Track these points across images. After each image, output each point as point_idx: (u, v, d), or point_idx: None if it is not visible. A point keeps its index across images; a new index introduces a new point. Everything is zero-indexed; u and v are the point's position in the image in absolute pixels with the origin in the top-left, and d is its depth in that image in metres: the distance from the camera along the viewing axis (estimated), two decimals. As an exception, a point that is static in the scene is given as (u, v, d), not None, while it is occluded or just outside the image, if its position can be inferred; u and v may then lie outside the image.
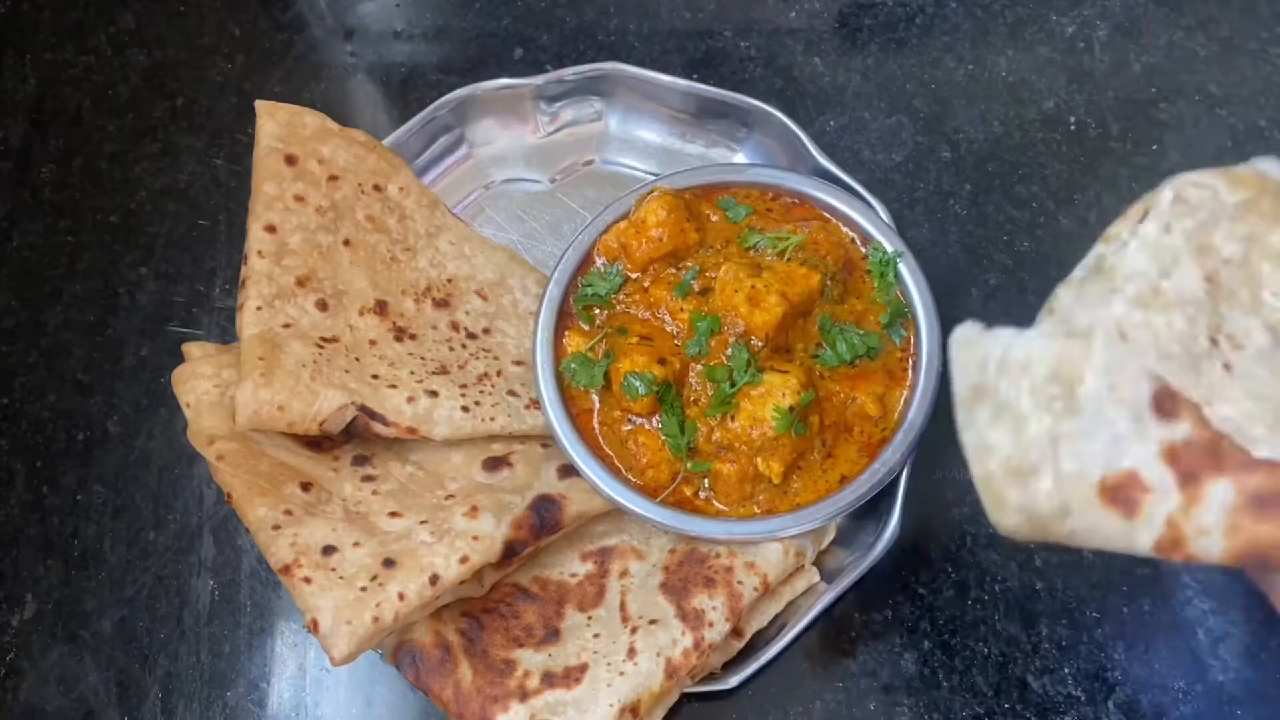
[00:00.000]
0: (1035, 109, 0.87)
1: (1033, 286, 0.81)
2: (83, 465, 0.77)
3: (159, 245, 0.85)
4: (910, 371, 0.68)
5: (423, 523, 0.64)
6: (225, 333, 0.81)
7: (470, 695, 0.61)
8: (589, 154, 0.85)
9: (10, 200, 0.87)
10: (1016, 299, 0.80)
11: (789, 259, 0.69)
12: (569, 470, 0.68)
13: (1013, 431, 0.44)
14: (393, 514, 0.65)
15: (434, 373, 0.70)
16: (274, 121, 0.74)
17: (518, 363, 0.74)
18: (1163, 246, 0.46)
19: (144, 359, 0.81)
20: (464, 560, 0.61)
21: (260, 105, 0.74)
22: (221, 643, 0.72)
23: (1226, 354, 0.44)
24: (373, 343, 0.70)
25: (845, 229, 0.73)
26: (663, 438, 0.66)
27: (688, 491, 0.67)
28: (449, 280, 0.76)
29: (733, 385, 0.65)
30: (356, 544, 0.62)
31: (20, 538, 0.75)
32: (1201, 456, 0.42)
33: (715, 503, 0.67)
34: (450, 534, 0.63)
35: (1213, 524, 0.42)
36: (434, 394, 0.67)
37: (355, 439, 0.67)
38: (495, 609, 0.65)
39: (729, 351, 0.67)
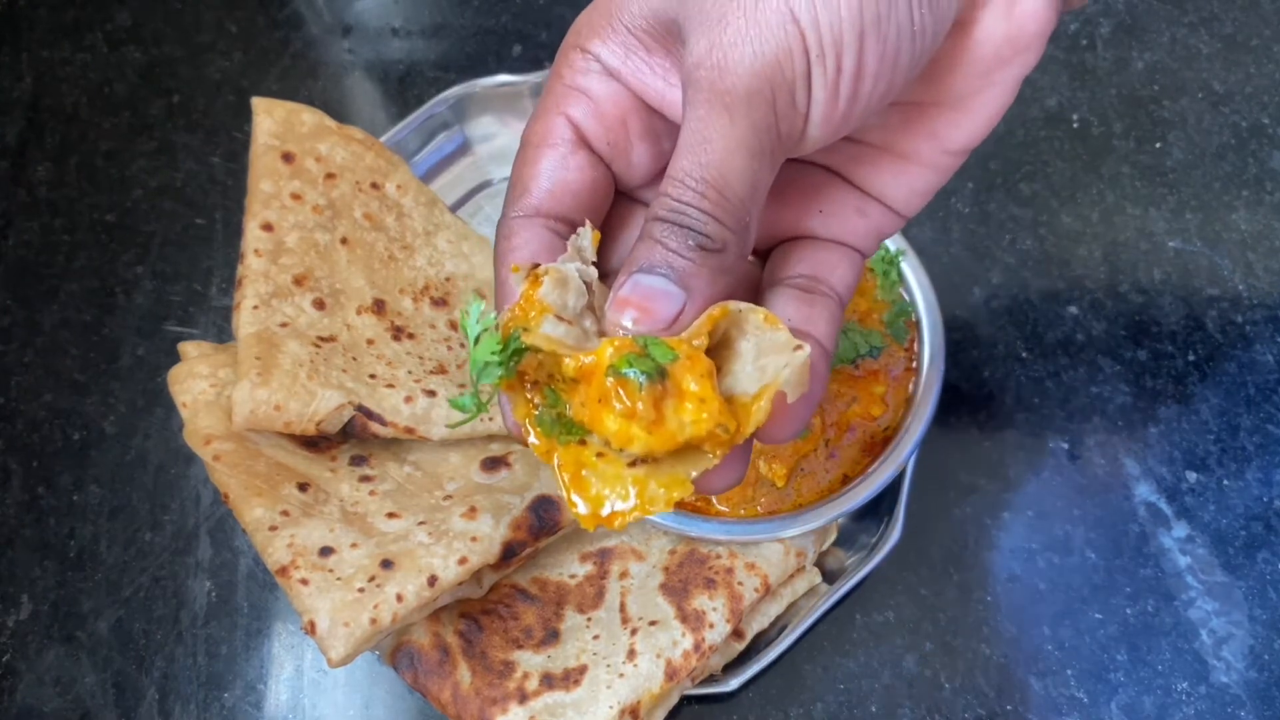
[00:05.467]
0: (1038, 106, 0.87)
1: (1035, 285, 0.80)
2: (79, 465, 0.77)
3: (155, 244, 0.84)
4: (913, 371, 0.68)
5: (421, 523, 0.63)
6: (222, 332, 0.81)
7: (469, 697, 0.61)
8: (588, 152, 0.84)
9: (6, 199, 0.86)
10: (1019, 297, 0.80)
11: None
12: (568, 470, 0.67)
13: None
14: (390, 515, 0.64)
15: (432, 372, 0.69)
16: (271, 119, 0.73)
17: (517, 362, 0.73)
18: None
19: (140, 358, 0.80)
20: (462, 561, 0.61)
21: (257, 102, 0.74)
22: (219, 644, 0.71)
23: None
24: (370, 342, 0.69)
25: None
26: None
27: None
28: (447, 279, 0.76)
29: None
30: (354, 545, 0.61)
31: (16, 538, 0.75)
32: None
33: (716, 504, 0.66)
34: (448, 535, 0.62)
35: None
36: (432, 394, 0.67)
37: (353, 439, 0.67)
38: (494, 610, 0.65)
39: None
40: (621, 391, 0.35)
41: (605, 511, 0.37)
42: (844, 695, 0.69)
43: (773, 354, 0.36)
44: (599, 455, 0.37)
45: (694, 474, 0.37)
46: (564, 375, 0.36)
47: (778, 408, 0.36)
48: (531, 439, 0.38)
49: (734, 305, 0.36)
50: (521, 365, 0.38)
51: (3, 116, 0.90)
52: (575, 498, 0.37)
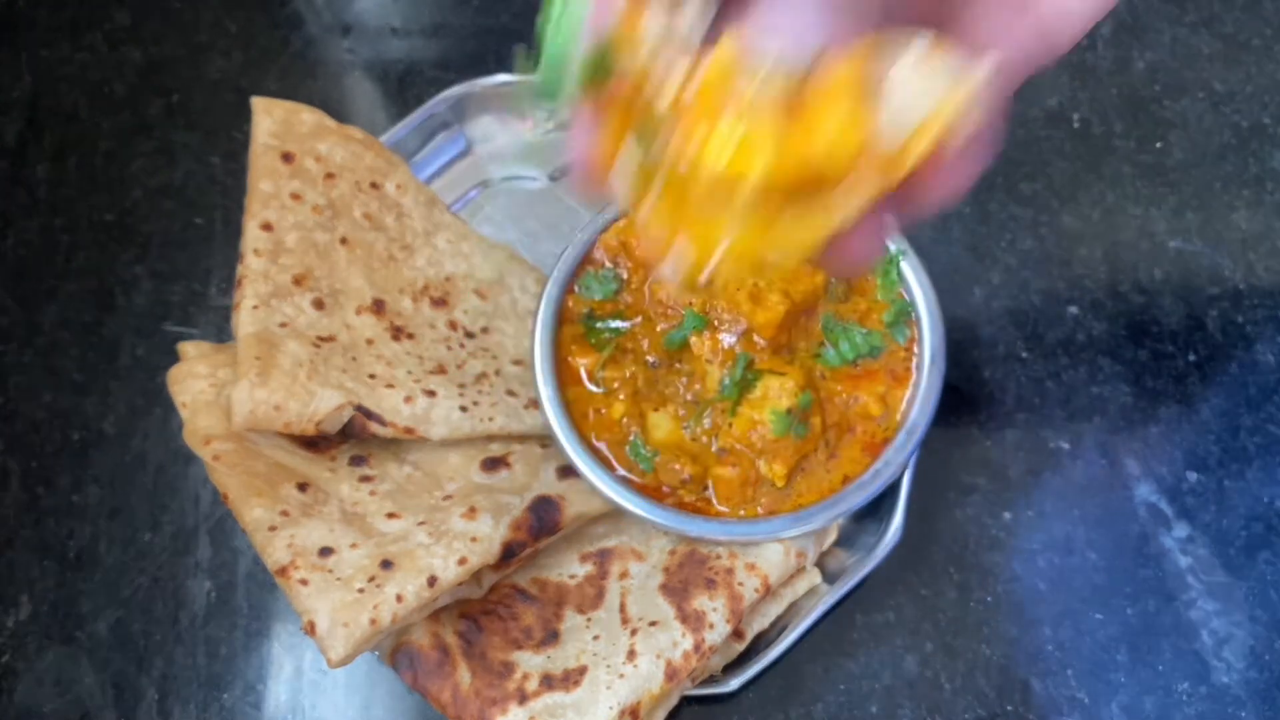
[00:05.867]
0: (1038, 106, 0.87)
1: (1036, 285, 0.80)
2: (78, 465, 0.77)
3: (155, 244, 0.84)
4: (913, 371, 0.68)
5: (420, 524, 0.63)
6: (221, 332, 0.80)
7: (469, 697, 0.61)
8: (588, 151, 0.84)
9: (6, 199, 0.86)
10: (1019, 297, 0.80)
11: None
12: (568, 471, 0.67)
13: None
14: (390, 515, 0.64)
15: (431, 372, 0.69)
16: (270, 118, 0.73)
17: (516, 362, 0.73)
18: None
19: (140, 358, 0.80)
20: (462, 561, 0.61)
21: (256, 102, 0.74)
22: (218, 644, 0.71)
23: None
24: (370, 342, 0.69)
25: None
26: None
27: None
28: (447, 279, 0.75)
29: (723, 394, 0.65)
30: (354, 545, 0.61)
31: (15, 539, 0.75)
32: None
33: (716, 504, 0.66)
34: (448, 535, 0.62)
35: None
36: (432, 394, 0.67)
37: (352, 439, 0.67)
38: (494, 611, 0.65)
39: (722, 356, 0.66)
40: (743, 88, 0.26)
41: (710, 264, 0.29)
42: (844, 695, 0.69)
43: (935, 85, 0.28)
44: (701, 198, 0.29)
45: (824, 230, 0.28)
46: (654, 121, 0.29)
47: (940, 156, 0.29)
48: (621, 175, 0.30)
49: (886, 37, 0.28)
50: (607, 86, 0.29)
51: (2, 116, 0.89)
52: (672, 250, 0.29)
